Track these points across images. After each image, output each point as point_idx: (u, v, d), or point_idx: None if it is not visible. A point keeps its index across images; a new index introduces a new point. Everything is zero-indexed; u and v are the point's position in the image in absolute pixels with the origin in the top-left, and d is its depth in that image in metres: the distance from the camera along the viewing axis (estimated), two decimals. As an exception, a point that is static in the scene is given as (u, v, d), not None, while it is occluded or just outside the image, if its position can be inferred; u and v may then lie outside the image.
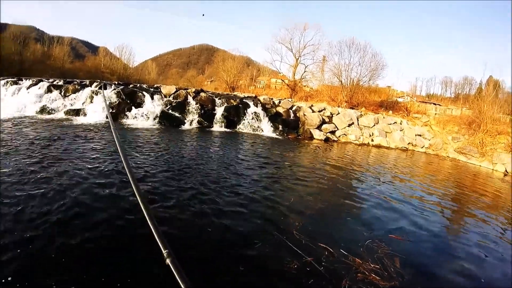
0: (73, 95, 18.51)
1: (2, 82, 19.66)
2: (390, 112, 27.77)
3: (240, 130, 18.99)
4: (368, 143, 21.30)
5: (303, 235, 5.14)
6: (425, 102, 40.18)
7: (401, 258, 4.91)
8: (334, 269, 4.34)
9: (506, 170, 17.80)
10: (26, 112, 16.74)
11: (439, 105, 37.76)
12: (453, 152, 21.07)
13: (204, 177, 7.84)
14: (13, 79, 20.09)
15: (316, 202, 7.07)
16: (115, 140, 1.09)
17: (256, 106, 20.40)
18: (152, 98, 18.65)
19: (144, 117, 17.37)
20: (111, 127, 1.02)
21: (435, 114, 28.93)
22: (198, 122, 18.14)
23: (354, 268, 4.43)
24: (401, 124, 23.71)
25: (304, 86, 41.66)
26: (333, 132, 21.15)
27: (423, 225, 6.63)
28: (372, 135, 22.01)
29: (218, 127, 18.49)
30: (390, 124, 23.22)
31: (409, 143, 22.06)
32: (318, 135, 20.12)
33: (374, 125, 22.54)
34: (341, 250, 4.85)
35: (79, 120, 15.82)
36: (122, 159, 1.22)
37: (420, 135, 22.75)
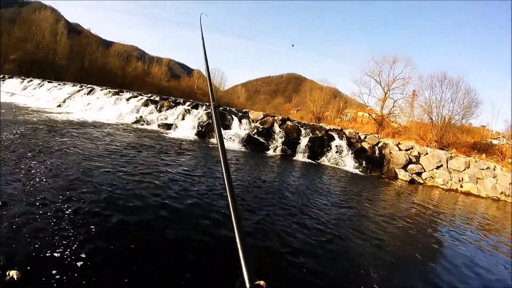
0: (167, 111, 19.75)
1: (105, 91, 21.74)
2: (483, 155, 25.62)
3: (322, 162, 18.87)
4: (457, 189, 19.87)
5: None
6: (523, 147, 36.90)
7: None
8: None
9: None
10: (124, 120, 18.41)
11: (540, 151, 34.45)
12: (552, 207, 19.03)
13: (280, 207, 7.86)
14: (115, 90, 22.12)
15: (393, 253, 6.74)
16: (221, 158, 1.06)
17: (341, 139, 20.17)
18: (240, 122, 19.24)
19: (231, 139, 17.88)
20: (218, 143, 1.00)
21: (534, 161, 26.39)
22: (282, 149, 18.32)
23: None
24: (494, 170, 21.69)
25: (392, 121, 40.26)
26: (419, 174, 20.17)
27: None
28: (462, 180, 20.52)
29: (301, 156, 18.53)
30: (483, 169, 21.39)
31: (501, 193, 20.14)
32: (403, 175, 19.34)
33: (464, 169, 20.99)
34: None
35: (169, 133, 16.84)
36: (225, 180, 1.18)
37: (515, 185, 20.81)
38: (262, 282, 1.04)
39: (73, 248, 4.01)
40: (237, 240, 1.08)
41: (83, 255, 3.90)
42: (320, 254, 5.66)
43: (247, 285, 0.99)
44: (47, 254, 3.77)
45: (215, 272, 4.25)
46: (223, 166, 1.32)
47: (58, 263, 3.65)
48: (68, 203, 5.27)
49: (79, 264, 3.71)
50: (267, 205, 7.72)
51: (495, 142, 33.97)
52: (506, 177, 20.76)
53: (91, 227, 4.62)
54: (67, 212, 4.93)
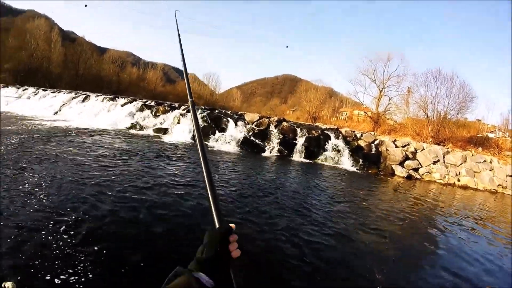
0: (162, 116, 19.87)
1: (100, 98, 21.77)
2: (480, 149, 25.70)
3: (319, 161, 18.90)
4: (454, 183, 19.96)
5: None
6: (520, 139, 36.93)
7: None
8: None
9: None
10: (119, 125, 18.44)
11: (536, 143, 34.48)
12: (548, 198, 19.08)
13: (277, 206, 7.90)
14: (110, 96, 22.16)
15: (395, 249, 6.71)
16: (200, 153, 1.11)
17: (337, 138, 20.27)
18: (236, 124, 19.29)
19: (227, 141, 17.91)
20: (197, 142, 1.04)
21: (531, 153, 26.41)
22: (278, 150, 18.34)
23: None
24: (491, 163, 21.77)
25: (388, 119, 40.36)
26: (416, 170, 20.24)
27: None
28: (459, 174, 20.60)
29: (297, 157, 18.55)
30: (479, 162, 21.46)
31: (499, 185, 20.20)
32: (400, 171, 19.41)
33: (461, 164, 21.07)
34: None
35: (165, 138, 16.86)
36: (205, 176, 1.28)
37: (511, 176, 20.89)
38: (232, 225, 1.16)
39: (68, 258, 4.02)
40: (208, 189, 1.24)
41: (77, 263, 3.91)
42: (321, 249, 5.69)
43: (216, 224, 1.16)
44: (41, 265, 3.77)
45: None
46: (199, 148, 1.39)
47: (53, 273, 3.65)
48: (62, 212, 5.26)
49: (73, 272, 3.72)
50: (265, 204, 7.78)
51: (491, 135, 34.01)
52: (503, 170, 20.84)
53: (85, 235, 4.61)
54: (61, 221, 4.92)
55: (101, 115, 20.33)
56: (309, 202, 8.91)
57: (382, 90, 41.27)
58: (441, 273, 5.86)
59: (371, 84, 43.80)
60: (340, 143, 20.00)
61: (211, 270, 1.03)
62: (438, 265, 6.29)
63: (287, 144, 19.01)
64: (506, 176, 20.42)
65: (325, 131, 20.86)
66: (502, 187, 20.05)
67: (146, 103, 21.74)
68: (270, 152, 18.15)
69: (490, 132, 37.67)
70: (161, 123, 19.42)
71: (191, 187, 8.03)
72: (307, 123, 30.35)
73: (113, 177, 7.67)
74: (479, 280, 5.95)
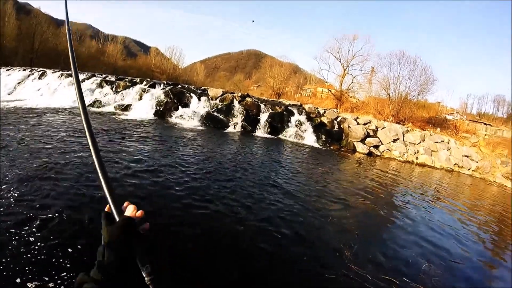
0: (123, 91, 19.16)
1: (57, 74, 20.72)
2: (438, 129, 26.74)
3: (282, 137, 19.03)
4: (413, 160, 20.67)
5: (355, 260, 5.01)
6: (475, 121, 38.39)
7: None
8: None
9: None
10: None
11: (490, 125, 35.99)
12: (501, 177, 20.05)
13: (240, 181, 7.87)
14: (68, 72, 21.00)
15: (359, 223, 6.83)
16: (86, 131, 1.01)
17: (301, 115, 20.38)
18: (199, 100, 19.02)
19: (189, 117, 17.67)
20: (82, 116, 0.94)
21: (485, 135, 27.47)
22: (242, 126, 18.30)
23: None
24: (448, 143, 22.78)
25: (351, 97, 41.02)
26: (376, 147, 20.77)
27: (462, 254, 6.39)
28: (417, 152, 21.33)
29: (261, 132, 18.60)
30: (437, 142, 22.37)
31: (455, 164, 21.22)
32: (361, 148, 19.85)
33: (420, 142, 21.84)
34: (403, 278, 4.74)
35: (127, 115, 16.38)
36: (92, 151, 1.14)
37: (467, 156, 21.77)
38: (139, 214, 1.03)
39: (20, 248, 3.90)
40: (100, 176, 1.08)
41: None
42: (285, 225, 5.68)
43: (116, 217, 1.00)
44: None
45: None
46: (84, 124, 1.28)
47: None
48: (19, 199, 5.00)
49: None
50: (228, 179, 7.73)
51: (449, 117, 35.62)
52: (460, 150, 21.97)
53: (40, 224, 4.39)
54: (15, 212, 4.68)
55: (59, 93, 19.40)
56: (271, 177, 8.92)
57: (346, 69, 41.79)
58: (403, 245, 6.08)
59: (336, 62, 44.37)
60: (304, 119, 20.15)
61: (116, 278, 0.89)
62: (400, 237, 6.51)
63: (251, 119, 19.00)
64: (462, 156, 21.54)
65: (289, 107, 20.89)
66: (458, 166, 21.14)
67: (106, 78, 20.96)
68: (234, 128, 18.07)
69: (448, 114, 39.54)
70: (122, 99, 18.87)
71: (149, 165, 7.92)
72: (271, 99, 30.32)
73: (73, 161, 7.25)
74: (437, 247, 6.25)
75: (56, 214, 4.52)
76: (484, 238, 8.02)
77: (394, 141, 21.40)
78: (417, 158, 21.02)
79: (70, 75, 20.50)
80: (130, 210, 1.03)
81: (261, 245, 4.82)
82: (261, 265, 4.32)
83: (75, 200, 5.12)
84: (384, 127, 22.18)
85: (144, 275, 0.90)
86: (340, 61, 42.40)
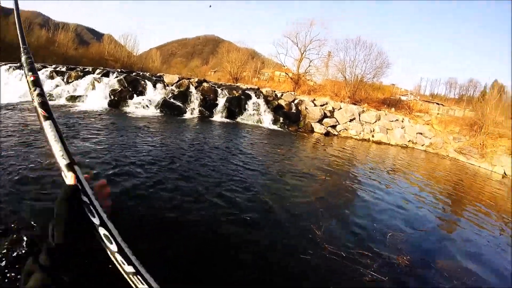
0: (75, 82, 18.42)
1: (5, 67, 19.50)
2: (393, 109, 27.73)
3: (241, 121, 19.08)
4: (369, 138, 21.42)
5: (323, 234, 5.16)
6: (429, 102, 39.78)
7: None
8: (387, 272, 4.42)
9: (504, 173, 17.95)
10: (28, 97, 16.73)
11: (442, 105, 37.48)
12: (453, 151, 21.16)
13: (197, 168, 7.73)
14: (16, 65, 19.90)
15: (323, 200, 6.95)
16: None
17: (258, 98, 20.45)
18: (155, 87, 18.68)
19: (145, 105, 17.35)
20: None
21: (438, 114, 28.85)
22: (199, 111, 18.14)
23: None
24: (402, 122, 23.80)
25: (308, 80, 41.33)
26: (334, 127, 21.24)
27: (421, 222, 6.73)
28: (373, 131, 22.06)
29: (219, 117, 18.53)
30: (392, 121, 23.27)
31: (409, 141, 22.20)
32: (318, 128, 20.19)
33: (375, 122, 22.60)
34: (374, 249, 4.95)
35: (79, 106, 15.72)
36: None
37: (421, 134, 22.78)
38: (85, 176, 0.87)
39: None
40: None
41: None
42: (247, 209, 5.67)
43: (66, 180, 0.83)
44: None
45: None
46: None
47: None
48: None
49: None
50: (185, 167, 7.57)
51: (403, 98, 37.20)
52: (413, 128, 23.13)
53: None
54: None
55: (7, 86, 18.47)
56: (230, 160, 8.93)
57: (303, 53, 41.93)
58: (366, 217, 6.33)
59: (293, 47, 44.73)
60: (261, 102, 20.24)
61: (66, 263, 0.75)
62: (363, 210, 6.80)
63: (208, 105, 18.87)
64: (416, 133, 22.71)
65: (246, 91, 20.91)
66: (412, 142, 22.35)
67: (57, 69, 20.12)
68: (191, 114, 17.89)
69: (403, 95, 41.11)
70: (74, 90, 18.18)
71: (104, 159, 7.78)
72: (228, 84, 30.34)
73: (20, 156, 7.09)
74: (398, 217, 6.66)
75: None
76: (442, 205, 8.53)
77: (351, 121, 21.96)
78: (373, 136, 21.78)
79: (19, 68, 19.24)
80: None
81: (232, 236, 4.70)
82: (236, 258, 4.19)
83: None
84: (340, 108, 22.68)
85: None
86: (297, 46, 42.54)
